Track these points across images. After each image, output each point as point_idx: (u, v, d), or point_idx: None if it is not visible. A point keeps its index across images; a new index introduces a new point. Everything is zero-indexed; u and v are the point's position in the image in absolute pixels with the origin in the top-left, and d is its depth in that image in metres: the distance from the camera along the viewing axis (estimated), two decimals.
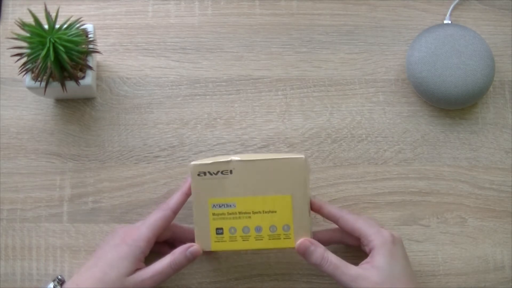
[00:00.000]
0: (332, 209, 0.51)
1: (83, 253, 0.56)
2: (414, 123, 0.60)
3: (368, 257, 0.48)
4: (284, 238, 0.49)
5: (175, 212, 0.51)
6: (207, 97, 0.60)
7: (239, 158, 0.49)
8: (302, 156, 0.49)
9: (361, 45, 0.62)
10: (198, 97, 0.60)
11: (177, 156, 0.58)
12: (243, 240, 0.49)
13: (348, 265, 0.47)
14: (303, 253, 0.48)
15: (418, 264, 0.56)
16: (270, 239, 0.49)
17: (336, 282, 0.47)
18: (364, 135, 0.59)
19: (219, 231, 0.49)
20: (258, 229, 0.49)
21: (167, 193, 0.57)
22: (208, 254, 0.55)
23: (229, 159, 0.49)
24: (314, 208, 0.52)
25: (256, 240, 0.49)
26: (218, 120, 0.60)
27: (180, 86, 0.60)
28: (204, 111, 0.60)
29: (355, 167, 0.58)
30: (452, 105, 0.58)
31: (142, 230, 0.49)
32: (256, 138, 0.59)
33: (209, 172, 0.49)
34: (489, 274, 0.56)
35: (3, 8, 0.62)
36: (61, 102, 0.60)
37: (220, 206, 0.50)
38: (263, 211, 0.49)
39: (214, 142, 0.59)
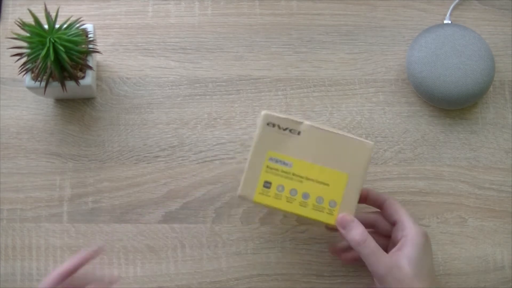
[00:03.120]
0: (380, 192, 0.51)
1: None
2: (414, 123, 0.60)
3: (399, 244, 0.47)
4: (327, 213, 0.48)
5: None
6: (207, 97, 0.60)
7: (311, 123, 0.49)
8: (371, 143, 0.49)
9: (361, 45, 0.62)
10: (198, 97, 0.60)
11: (177, 156, 0.58)
12: (287, 201, 0.48)
13: (384, 254, 0.46)
14: (344, 226, 0.47)
15: None
16: (313, 209, 0.48)
17: (367, 266, 0.46)
18: (364, 135, 0.59)
19: (267, 184, 0.48)
20: (306, 196, 0.48)
21: (167, 193, 0.57)
22: (209, 258, 0.55)
23: (301, 120, 0.49)
24: (361, 194, 0.51)
25: (300, 205, 0.48)
26: (218, 120, 0.60)
27: (180, 86, 0.60)
28: (204, 111, 0.60)
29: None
30: (452, 105, 0.58)
31: None
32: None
33: (278, 125, 0.49)
34: (489, 274, 0.56)
35: (3, 8, 0.62)
36: (61, 102, 0.60)
37: (276, 161, 0.48)
38: (316, 180, 0.48)
39: (214, 142, 0.59)
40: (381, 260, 0.45)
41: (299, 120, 0.49)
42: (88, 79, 0.55)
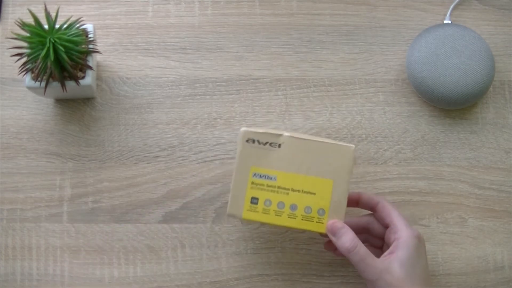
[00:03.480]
0: (372, 195, 0.51)
1: (83, 253, 0.56)
2: (414, 123, 0.60)
3: (392, 247, 0.47)
4: (316, 222, 0.48)
5: None
6: (207, 97, 0.60)
7: (290, 134, 0.49)
8: (352, 146, 0.49)
9: (361, 45, 0.62)
10: (198, 97, 0.60)
11: (177, 156, 0.58)
12: (275, 215, 0.48)
13: (375, 258, 0.46)
14: (334, 233, 0.48)
15: None
16: (302, 219, 0.48)
17: (358, 272, 0.47)
18: (364, 135, 0.59)
19: (254, 200, 0.49)
20: (293, 207, 0.49)
21: (167, 193, 0.57)
22: (209, 258, 0.55)
23: (280, 133, 0.49)
24: (352, 198, 0.52)
25: (288, 217, 0.48)
26: (218, 120, 0.60)
27: (180, 86, 0.60)
28: (204, 111, 0.60)
29: (355, 167, 0.58)
30: (452, 105, 0.58)
31: None
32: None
33: (258, 140, 0.49)
34: (489, 274, 0.56)
35: (3, 8, 0.62)
36: (61, 102, 0.60)
37: (260, 176, 0.49)
38: (302, 190, 0.49)
39: (214, 142, 0.59)
40: (371, 265, 0.46)
41: (278, 132, 0.49)
42: (88, 79, 0.55)
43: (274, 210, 0.48)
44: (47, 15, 0.51)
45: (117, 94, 0.60)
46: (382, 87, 0.61)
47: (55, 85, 0.54)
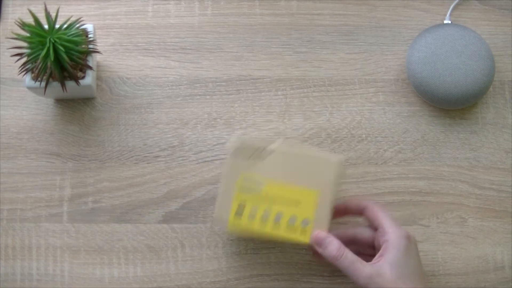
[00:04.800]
0: (359, 200, 0.52)
1: (83, 253, 0.56)
2: (414, 123, 0.60)
3: (382, 250, 0.47)
4: (300, 232, 0.49)
5: None
6: (207, 97, 0.60)
7: (277, 146, 0.50)
8: (338, 158, 0.50)
9: (361, 45, 0.62)
10: (198, 97, 0.60)
11: (177, 156, 0.58)
12: (260, 223, 0.49)
13: (363, 263, 0.46)
14: (319, 244, 0.48)
15: None
16: (286, 229, 0.49)
17: (350, 278, 0.47)
18: (364, 135, 0.59)
19: (240, 208, 0.50)
20: (278, 216, 0.49)
21: (167, 193, 0.57)
22: (209, 258, 0.55)
23: (268, 144, 0.50)
24: (339, 208, 0.52)
25: (273, 226, 0.49)
26: (218, 120, 0.60)
27: (180, 86, 0.60)
28: (204, 111, 0.60)
29: (355, 167, 0.58)
30: (452, 105, 0.58)
31: None
32: (256, 138, 0.59)
33: (246, 151, 0.50)
34: (489, 274, 0.56)
35: (3, 8, 0.62)
36: (61, 102, 0.60)
37: (247, 186, 0.50)
38: (288, 200, 0.49)
39: (214, 142, 0.59)
40: (360, 270, 0.46)
41: (265, 144, 0.50)
42: (88, 79, 0.55)
43: (259, 219, 0.49)
44: (47, 15, 0.51)
45: (117, 94, 0.60)
46: (382, 87, 0.61)
47: (55, 85, 0.54)
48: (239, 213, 0.50)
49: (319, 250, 0.48)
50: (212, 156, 0.58)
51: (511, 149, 0.59)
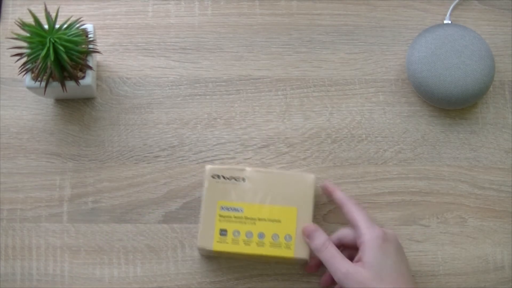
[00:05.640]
0: (342, 196, 0.53)
1: (83, 253, 0.56)
2: (414, 123, 0.60)
3: (359, 251, 0.48)
4: (284, 247, 0.51)
5: None
6: (207, 97, 0.60)
7: (253, 169, 0.53)
8: (312, 175, 0.53)
9: (361, 45, 0.62)
10: (198, 97, 0.60)
11: (177, 156, 0.58)
12: (244, 244, 0.51)
13: (344, 259, 0.48)
14: (308, 235, 0.50)
15: (418, 264, 0.56)
16: (271, 246, 0.51)
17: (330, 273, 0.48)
18: (364, 135, 0.59)
19: (223, 232, 0.52)
20: (261, 235, 0.51)
21: (167, 193, 0.57)
22: (209, 258, 0.55)
23: (243, 167, 0.53)
24: (326, 191, 0.54)
25: (257, 246, 0.51)
26: (218, 120, 0.60)
27: (180, 86, 0.60)
28: (204, 111, 0.60)
29: (355, 167, 0.58)
30: (452, 105, 0.58)
31: None
32: (256, 138, 0.59)
33: (223, 176, 0.53)
34: (489, 274, 0.56)
35: (3, 8, 0.62)
36: (61, 102, 0.60)
37: (228, 209, 0.52)
38: (268, 219, 0.52)
39: (214, 142, 0.59)
40: (340, 265, 0.47)
41: (241, 167, 0.53)
42: (88, 79, 0.55)
43: (243, 240, 0.51)
44: (47, 15, 0.51)
45: (117, 94, 0.60)
46: (382, 87, 0.61)
47: (55, 85, 0.54)
48: (222, 239, 0.51)
49: (307, 241, 0.51)
50: (212, 156, 0.58)
51: (511, 149, 0.59)
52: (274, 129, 0.59)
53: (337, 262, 0.48)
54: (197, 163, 0.58)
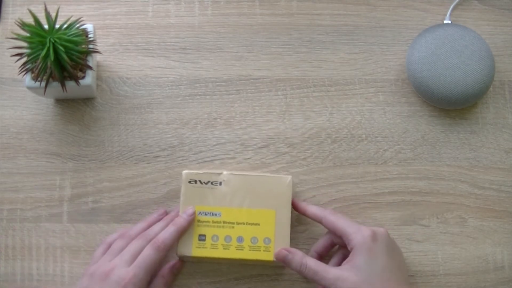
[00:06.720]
0: (316, 210, 0.52)
1: (83, 253, 0.56)
2: (414, 123, 0.60)
3: (349, 256, 0.48)
4: (263, 251, 0.51)
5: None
6: (207, 97, 0.60)
7: (229, 172, 0.53)
8: (289, 177, 0.53)
9: (361, 45, 0.62)
10: (198, 97, 0.60)
11: (177, 156, 0.58)
12: (224, 249, 0.51)
13: (328, 268, 0.47)
14: (283, 261, 0.50)
15: (418, 264, 0.56)
16: (250, 250, 0.51)
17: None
18: (364, 135, 0.59)
19: (202, 237, 0.51)
20: (240, 239, 0.51)
21: (167, 193, 0.57)
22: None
23: (220, 171, 0.53)
24: (299, 210, 0.54)
25: (236, 250, 0.51)
26: (218, 120, 0.60)
27: (180, 86, 0.60)
28: (204, 111, 0.60)
29: (355, 167, 0.58)
30: (452, 105, 0.58)
31: (140, 275, 0.47)
32: (256, 138, 0.59)
33: (200, 181, 0.53)
34: (489, 274, 0.56)
35: (3, 8, 0.62)
36: (61, 102, 0.60)
37: (205, 214, 0.52)
38: (246, 222, 0.52)
39: (214, 142, 0.59)
40: (325, 276, 0.47)
41: (217, 171, 0.53)
42: (88, 79, 0.55)
43: (222, 244, 0.51)
44: (47, 15, 0.51)
45: (117, 94, 0.60)
46: (382, 87, 0.61)
47: (55, 85, 0.54)
48: (201, 244, 0.51)
49: (285, 265, 0.50)
50: (212, 156, 0.58)
51: (511, 149, 0.59)
52: (274, 129, 0.59)
53: (322, 276, 0.47)
54: (197, 163, 0.58)
